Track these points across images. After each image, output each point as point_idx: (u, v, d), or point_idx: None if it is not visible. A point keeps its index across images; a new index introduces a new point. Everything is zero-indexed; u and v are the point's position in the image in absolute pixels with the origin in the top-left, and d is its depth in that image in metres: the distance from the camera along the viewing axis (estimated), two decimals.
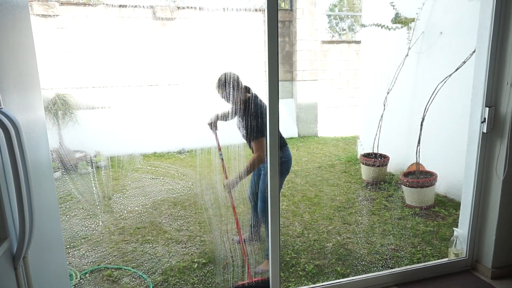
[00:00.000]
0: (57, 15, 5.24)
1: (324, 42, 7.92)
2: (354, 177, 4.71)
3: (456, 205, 3.59)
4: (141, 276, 2.59)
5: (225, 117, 2.62)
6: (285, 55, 7.64)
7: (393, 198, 3.95)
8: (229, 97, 2.39)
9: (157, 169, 4.79)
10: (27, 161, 1.02)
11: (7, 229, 1.00)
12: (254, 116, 2.37)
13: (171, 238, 3.13)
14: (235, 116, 2.55)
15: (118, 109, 5.56)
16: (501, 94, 2.18)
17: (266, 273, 2.50)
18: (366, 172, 4.47)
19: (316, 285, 2.26)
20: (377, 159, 4.39)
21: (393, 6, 4.29)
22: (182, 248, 2.97)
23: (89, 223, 3.39)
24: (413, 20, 4.18)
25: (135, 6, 5.68)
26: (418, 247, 2.91)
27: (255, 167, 2.47)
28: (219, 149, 2.60)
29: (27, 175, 1.03)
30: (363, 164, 4.50)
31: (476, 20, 2.22)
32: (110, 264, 2.75)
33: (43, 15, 5.18)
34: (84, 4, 5.42)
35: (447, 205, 3.70)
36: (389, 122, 4.46)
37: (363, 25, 5.11)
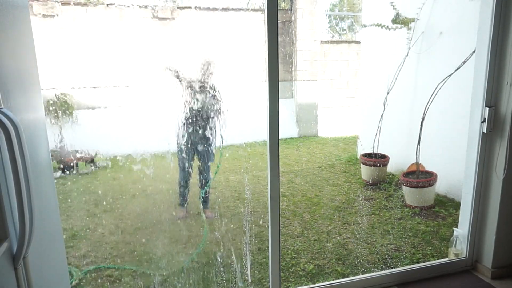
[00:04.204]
0: (57, 15, 5.24)
1: (324, 42, 7.92)
2: (354, 177, 4.70)
3: (456, 205, 3.59)
4: (142, 275, 2.59)
5: None
6: (285, 55, 7.64)
7: (393, 198, 3.95)
8: None
9: (156, 169, 4.78)
10: (27, 161, 1.02)
11: (7, 229, 1.00)
12: None
13: (171, 238, 3.13)
14: None
15: (118, 109, 5.56)
16: (501, 94, 2.18)
17: None
18: (366, 172, 4.46)
19: (316, 285, 2.26)
20: (377, 159, 4.38)
21: (393, 6, 4.29)
22: (182, 248, 2.98)
23: (89, 223, 3.39)
24: (413, 20, 4.17)
25: (135, 6, 5.68)
26: (418, 247, 2.91)
27: None
28: None
29: (27, 175, 1.02)
30: (363, 164, 4.50)
31: (476, 20, 2.21)
32: (110, 264, 2.75)
33: (43, 15, 5.18)
34: (84, 4, 5.42)
35: (447, 205, 3.70)
36: (389, 122, 4.46)
37: (363, 25, 5.12)
